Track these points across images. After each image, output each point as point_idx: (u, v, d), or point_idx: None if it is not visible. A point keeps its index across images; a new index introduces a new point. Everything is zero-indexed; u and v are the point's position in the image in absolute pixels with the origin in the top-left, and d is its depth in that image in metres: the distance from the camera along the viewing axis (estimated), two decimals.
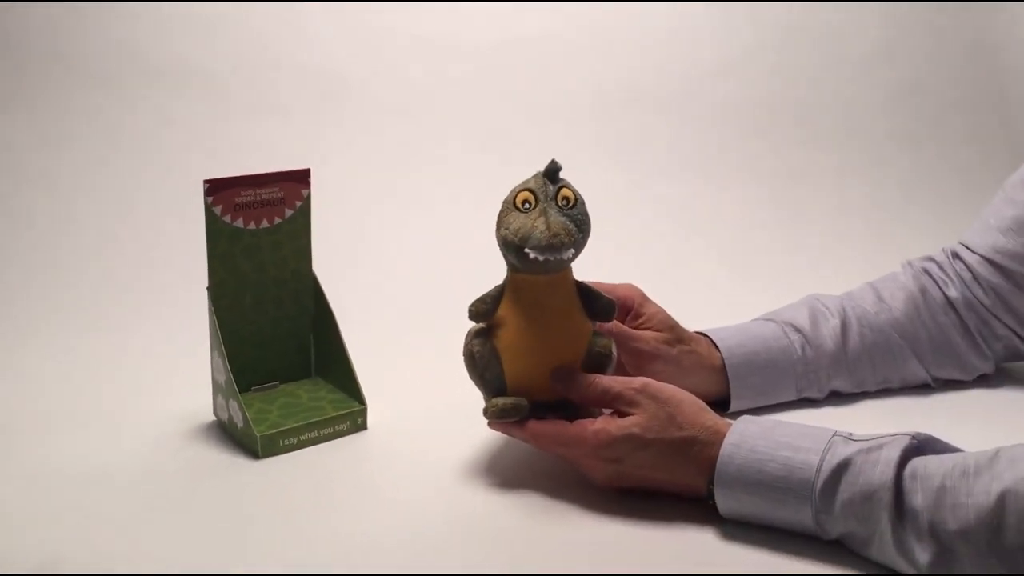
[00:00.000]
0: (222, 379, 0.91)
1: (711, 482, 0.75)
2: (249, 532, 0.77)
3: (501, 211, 0.79)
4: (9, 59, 1.57)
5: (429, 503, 0.81)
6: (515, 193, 0.79)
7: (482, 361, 0.81)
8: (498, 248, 0.80)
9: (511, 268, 0.81)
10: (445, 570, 0.71)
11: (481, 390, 0.83)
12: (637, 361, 0.90)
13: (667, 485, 0.78)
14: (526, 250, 0.76)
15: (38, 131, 1.53)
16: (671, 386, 0.80)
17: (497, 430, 0.83)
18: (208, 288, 0.92)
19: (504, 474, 0.85)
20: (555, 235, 0.76)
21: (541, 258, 0.76)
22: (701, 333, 0.97)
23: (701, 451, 0.76)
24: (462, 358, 0.83)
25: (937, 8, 1.88)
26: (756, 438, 0.74)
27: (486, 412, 0.82)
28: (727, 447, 0.75)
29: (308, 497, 0.82)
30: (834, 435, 0.73)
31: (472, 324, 0.83)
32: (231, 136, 1.57)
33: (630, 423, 0.77)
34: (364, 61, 1.69)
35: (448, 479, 0.84)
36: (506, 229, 0.78)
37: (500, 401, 0.81)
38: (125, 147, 1.54)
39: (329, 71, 1.67)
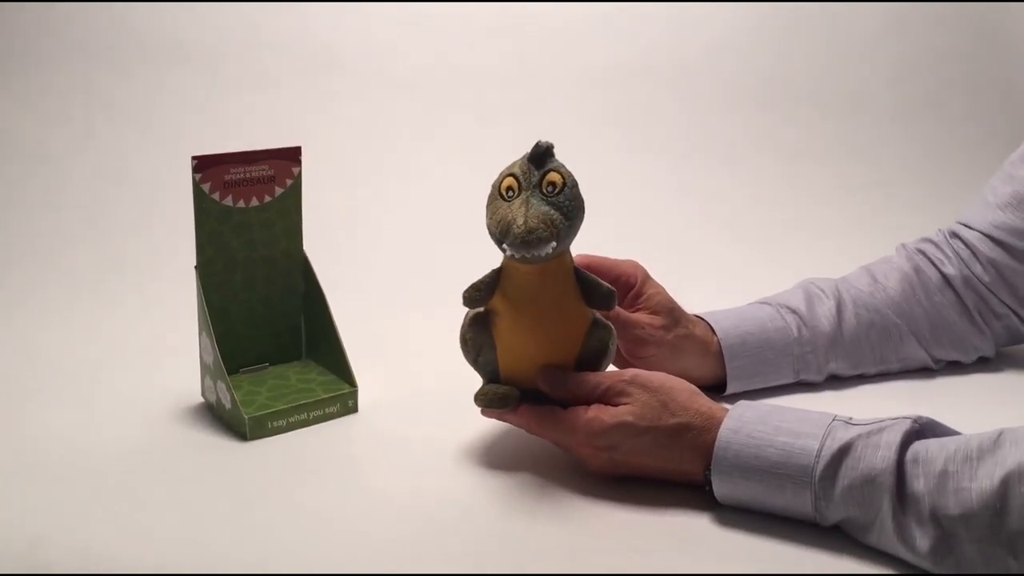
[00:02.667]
0: (210, 360, 0.89)
1: (708, 468, 0.74)
2: (235, 515, 0.75)
3: (488, 197, 0.77)
4: (1, 37, 1.56)
5: (419, 487, 0.79)
6: (500, 179, 0.76)
7: (475, 347, 0.80)
8: None
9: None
10: (434, 554, 0.70)
11: (478, 373, 0.82)
12: (632, 346, 0.89)
13: (662, 473, 0.77)
14: (504, 245, 0.74)
15: (29, 106, 1.52)
16: (661, 374, 0.78)
17: (488, 416, 0.82)
18: (196, 267, 0.90)
19: (496, 458, 0.84)
20: (531, 231, 0.71)
21: (517, 255, 0.73)
22: (697, 316, 0.95)
23: (696, 437, 0.74)
24: (458, 341, 0.82)
25: None
26: (754, 423, 0.73)
27: (476, 399, 0.80)
28: (724, 432, 0.73)
29: (296, 480, 0.81)
30: (834, 420, 0.72)
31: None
32: (223, 113, 1.56)
33: (623, 411, 0.75)
34: (357, 38, 1.68)
35: (439, 463, 0.83)
36: (490, 219, 0.75)
37: (490, 389, 0.80)
38: (115, 123, 1.53)
39: (321, 48, 1.66)
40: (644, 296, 0.91)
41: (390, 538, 0.72)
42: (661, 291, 0.92)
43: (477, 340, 0.80)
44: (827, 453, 0.69)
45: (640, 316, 0.90)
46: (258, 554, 0.70)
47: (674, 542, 0.72)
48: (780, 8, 1.82)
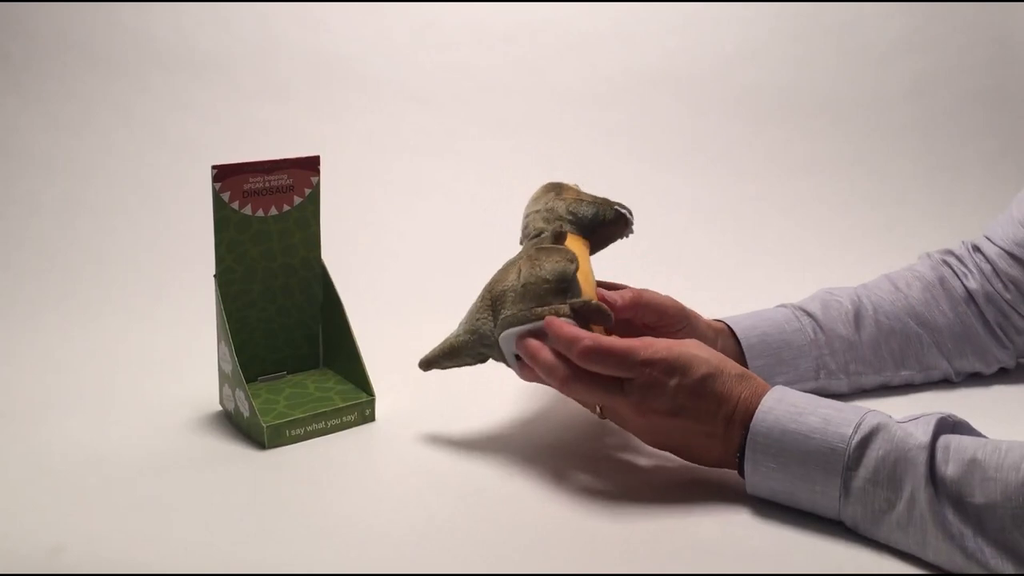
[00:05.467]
0: (228, 368, 0.90)
1: (747, 432, 0.74)
2: (254, 523, 0.75)
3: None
4: (21, 45, 1.57)
5: (436, 496, 0.79)
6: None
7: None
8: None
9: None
10: (453, 562, 0.70)
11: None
12: (673, 325, 0.90)
13: (703, 435, 0.76)
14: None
15: (48, 116, 1.53)
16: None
17: (528, 377, 0.82)
18: (215, 276, 0.91)
19: (515, 467, 0.83)
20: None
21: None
22: (716, 320, 0.95)
23: (753, 391, 0.75)
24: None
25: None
26: (796, 397, 0.74)
27: (589, 310, 0.80)
28: (768, 400, 0.74)
29: (314, 488, 0.81)
30: (868, 412, 0.73)
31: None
32: (241, 122, 1.56)
33: (693, 345, 0.76)
34: (376, 48, 1.69)
35: (456, 472, 0.83)
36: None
37: (593, 303, 0.80)
38: (134, 133, 1.54)
39: (339, 58, 1.67)
40: (655, 301, 0.91)
41: (408, 546, 0.72)
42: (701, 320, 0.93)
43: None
44: (865, 427, 0.71)
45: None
46: (276, 562, 0.70)
47: (700, 548, 0.71)
48: (795, 19, 1.81)
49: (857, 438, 0.70)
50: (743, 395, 0.75)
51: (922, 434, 0.68)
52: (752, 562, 0.70)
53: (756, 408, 0.74)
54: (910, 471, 0.67)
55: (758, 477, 0.74)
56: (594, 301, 0.80)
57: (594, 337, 0.76)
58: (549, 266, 0.80)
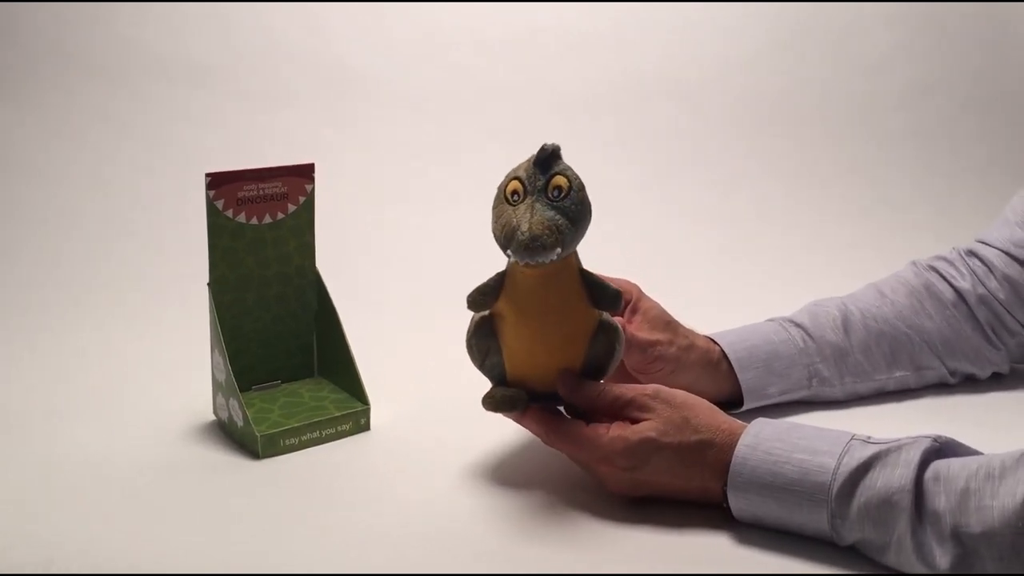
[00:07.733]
0: (222, 377, 0.89)
1: (726, 484, 0.73)
2: (248, 532, 0.75)
3: (494, 200, 0.76)
4: (17, 54, 1.57)
5: (432, 505, 0.79)
6: (506, 182, 0.75)
7: (481, 352, 0.79)
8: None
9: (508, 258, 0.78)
10: (447, 574, 0.69)
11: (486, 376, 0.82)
12: (641, 364, 0.89)
13: (682, 491, 0.76)
14: (508, 252, 0.73)
15: (44, 125, 1.53)
16: (683, 391, 0.78)
17: (507, 417, 0.81)
18: (209, 284, 0.90)
19: (510, 477, 0.83)
20: (535, 238, 0.71)
21: (521, 262, 0.73)
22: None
23: (718, 454, 0.74)
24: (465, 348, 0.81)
25: (950, 7, 1.86)
26: (771, 440, 0.72)
27: (483, 402, 0.80)
28: (741, 449, 0.73)
29: (309, 498, 0.80)
30: (852, 438, 0.71)
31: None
32: (238, 129, 1.56)
33: (646, 427, 0.75)
34: (371, 55, 1.69)
35: (452, 481, 0.83)
36: (495, 223, 0.74)
37: (498, 392, 0.79)
38: (129, 141, 1.53)
39: (335, 65, 1.67)
40: (640, 311, 0.90)
41: (402, 557, 0.72)
42: (656, 305, 0.91)
43: (483, 344, 0.79)
44: (844, 471, 0.69)
45: (645, 335, 0.89)
46: (270, 572, 0.69)
47: (692, 561, 0.71)
48: (791, 27, 1.82)
49: (837, 485, 0.69)
50: (712, 453, 0.74)
51: (905, 467, 0.67)
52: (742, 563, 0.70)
53: (730, 460, 0.73)
54: (896, 515, 0.67)
55: (746, 515, 0.74)
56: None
57: (552, 430, 0.78)
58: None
